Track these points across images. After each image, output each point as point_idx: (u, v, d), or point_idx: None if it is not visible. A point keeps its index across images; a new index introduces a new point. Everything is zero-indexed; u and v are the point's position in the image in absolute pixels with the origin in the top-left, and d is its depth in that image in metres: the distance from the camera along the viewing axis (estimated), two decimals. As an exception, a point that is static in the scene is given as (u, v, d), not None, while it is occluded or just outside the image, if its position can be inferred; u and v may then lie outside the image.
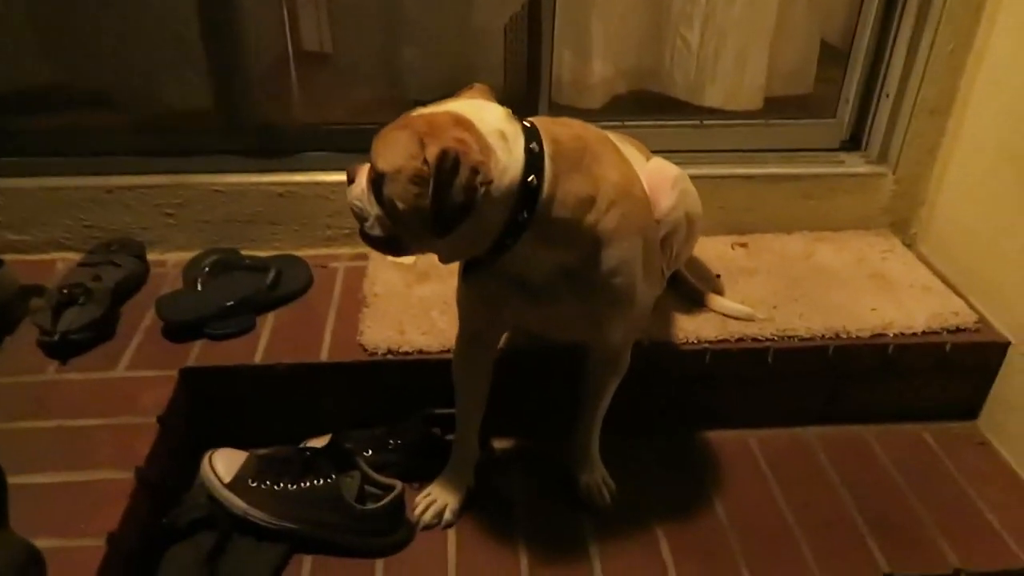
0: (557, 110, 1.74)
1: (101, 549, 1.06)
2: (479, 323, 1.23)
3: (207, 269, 1.55)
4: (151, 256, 1.67)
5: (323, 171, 1.68)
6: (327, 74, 1.83)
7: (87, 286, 1.46)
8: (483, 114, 0.98)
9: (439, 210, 0.92)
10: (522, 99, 1.67)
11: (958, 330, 1.48)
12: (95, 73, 1.72)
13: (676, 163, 1.31)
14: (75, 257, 1.62)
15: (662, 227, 1.24)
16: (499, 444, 1.45)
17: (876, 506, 1.35)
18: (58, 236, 1.69)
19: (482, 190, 0.92)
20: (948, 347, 1.47)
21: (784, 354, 1.44)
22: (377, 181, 0.98)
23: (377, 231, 1.04)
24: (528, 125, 1.00)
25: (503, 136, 0.96)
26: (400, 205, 0.96)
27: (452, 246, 1.01)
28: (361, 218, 1.05)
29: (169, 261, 1.69)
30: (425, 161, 0.91)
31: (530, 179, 0.96)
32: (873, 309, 1.51)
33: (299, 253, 1.68)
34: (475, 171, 0.91)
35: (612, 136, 1.18)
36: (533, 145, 0.97)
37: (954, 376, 1.51)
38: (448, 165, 0.90)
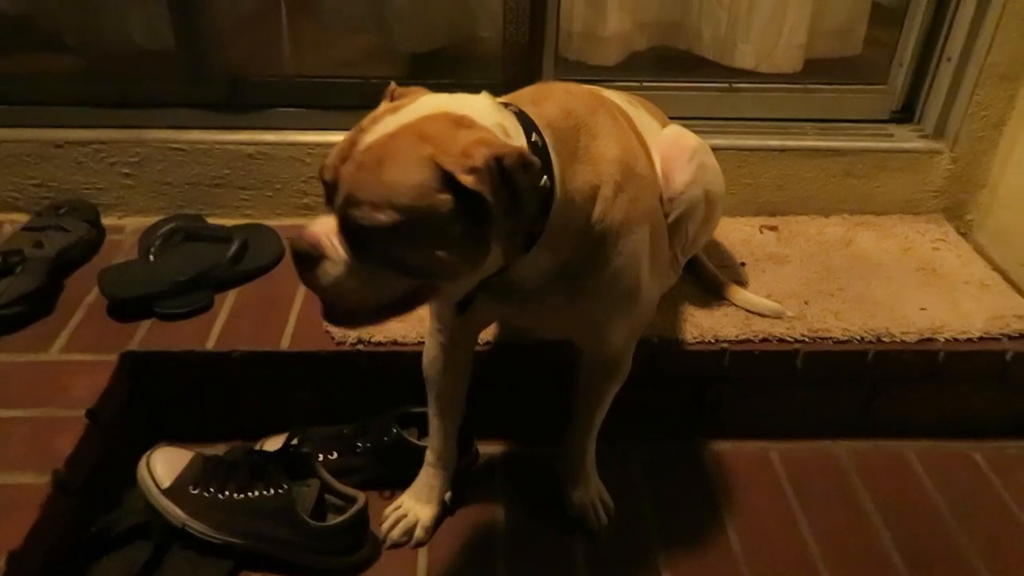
0: (564, 66, 1.63)
1: (-1, 571, 0.94)
2: (454, 323, 1.10)
3: (161, 238, 1.43)
4: (108, 221, 1.58)
5: (299, 130, 1.57)
6: (307, 18, 1.70)
7: (25, 253, 1.36)
8: (473, 106, 0.80)
9: (514, 234, 0.78)
10: (524, 52, 1.54)
11: (1021, 336, 1.35)
12: (42, 8, 1.61)
13: (698, 132, 1.23)
14: (26, 219, 1.51)
15: (675, 207, 1.14)
16: (483, 449, 1.35)
17: (914, 537, 1.25)
18: (4, 195, 1.59)
19: (546, 183, 0.78)
20: (1009, 355, 1.34)
21: (815, 358, 1.32)
22: (373, 237, 0.75)
23: (371, 302, 0.80)
24: (517, 111, 0.83)
25: (505, 131, 0.79)
26: (440, 254, 0.76)
27: (467, 281, 0.83)
28: (345, 297, 0.80)
29: (128, 227, 1.59)
30: (453, 189, 0.73)
31: (543, 182, 0.79)
32: (922, 309, 1.39)
33: (272, 222, 1.58)
34: (525, 165, 0.74)
35: (616, 97, 1.04)
36: (535, 138, 0.81)
37: (1014, 389, 1.38)
38: (496, 181, 0.73)
